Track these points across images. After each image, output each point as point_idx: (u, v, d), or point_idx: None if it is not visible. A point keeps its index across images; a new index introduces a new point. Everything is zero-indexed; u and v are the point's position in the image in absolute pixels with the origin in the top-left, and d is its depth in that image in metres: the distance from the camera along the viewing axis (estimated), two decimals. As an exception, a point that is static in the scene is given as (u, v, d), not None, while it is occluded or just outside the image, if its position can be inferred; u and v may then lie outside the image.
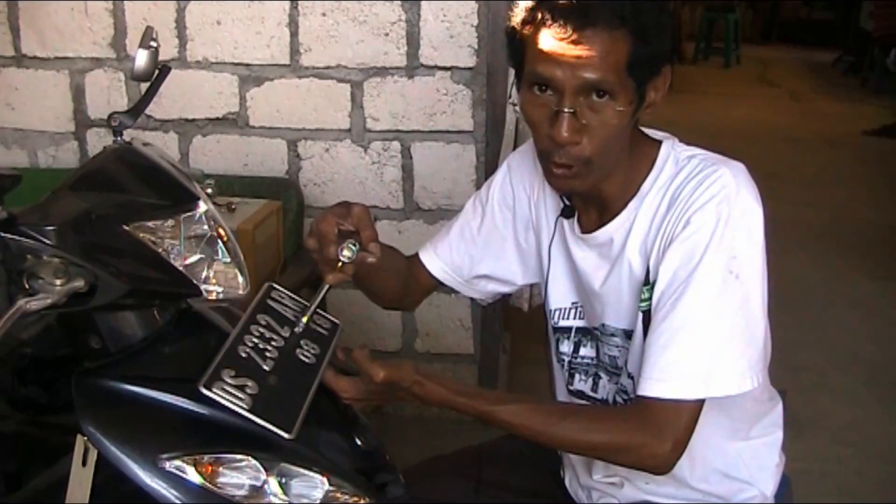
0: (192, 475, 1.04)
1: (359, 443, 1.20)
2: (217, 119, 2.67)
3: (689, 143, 1.28)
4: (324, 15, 2.54)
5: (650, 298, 1.20)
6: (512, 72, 2.44)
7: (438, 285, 1.49)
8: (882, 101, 8.01)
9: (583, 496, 1.42)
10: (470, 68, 2.53)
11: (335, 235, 1.19)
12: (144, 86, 1.33)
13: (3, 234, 1.01)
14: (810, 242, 4.49)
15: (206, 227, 1.19)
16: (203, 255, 1.19)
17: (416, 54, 2.54)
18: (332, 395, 1.19)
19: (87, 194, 1.12)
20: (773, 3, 12.10)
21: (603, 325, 1.30)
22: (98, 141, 2.73)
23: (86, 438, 1.06)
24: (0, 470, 1.21)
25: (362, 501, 1.12)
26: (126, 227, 1.12)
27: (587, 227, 1.30)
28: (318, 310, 1.22)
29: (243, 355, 1.09)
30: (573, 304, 1.36)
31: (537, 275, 1.44)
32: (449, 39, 2.52)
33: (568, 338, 1.37)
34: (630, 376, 1.27)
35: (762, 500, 1.34)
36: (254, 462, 1.07)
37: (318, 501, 1.09)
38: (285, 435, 1.04)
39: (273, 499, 1.07)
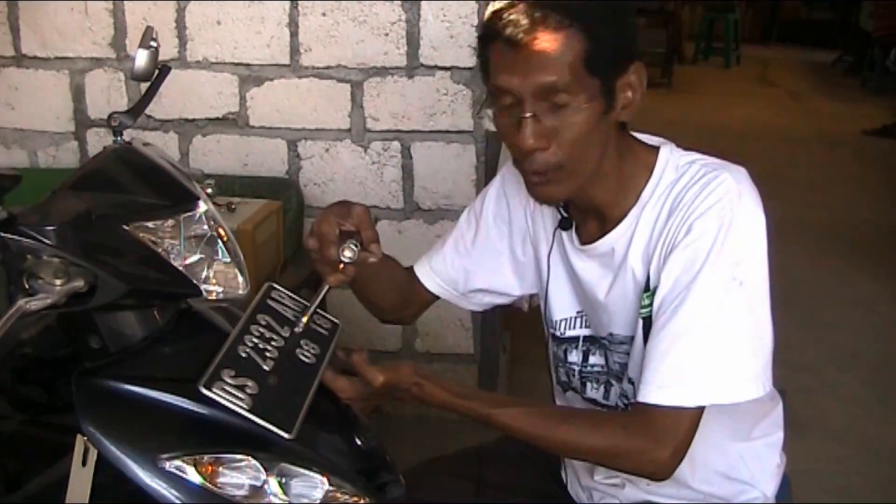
0: (192, 475, 1.04)
1: (359, 443, 1.20)
2: (217, 119, 2.67)
3: (689, 145, 1.27)
4: (324, 15, 2.54)
5: (651, 305, 1.19)
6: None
7: (435, 299, 1.49)
8: (882, 101, 8.00)
9: (583, 497, 1.42)
10: (470, 68, 2.53)
11: (336, 236, 1.19)
12: (144, 86, 1.33)
13: (3, 234, 1.01)
14: (810, 242, 4.49)
15: (206, 227, 1.19)
16: (203, 255, 1.19)
17: (416, 54, 2.54)
18: (332, 395, 1.19)
19: (87, 194, 1.12)
20: (773, 3, 12.09)
21: (611, 334, 1.29)
22: (98, 141, 2.73)
23: (86, 438, 1.06)
24: (0, 470, 1.21)
25: (362, 501, 1.12)
26: (126, 227, 1.12)
27: (587, 238, 1.29)
28: (318, 310, 1.22)
29: (243, 355, 1.09)
30: (578, 313, 1.35)
31: (535, 286, 1.43)
32: (449, 39, 2.52)
33: (576, 347, 1.36)
34: (631, 381, 1.26)
35: (763, 501, 1.34)
36: (254, 462, 1.07)
37: (318, 501, 1.09)
38: (285, 435, 1.04)
39: (273, 499, 1.07)
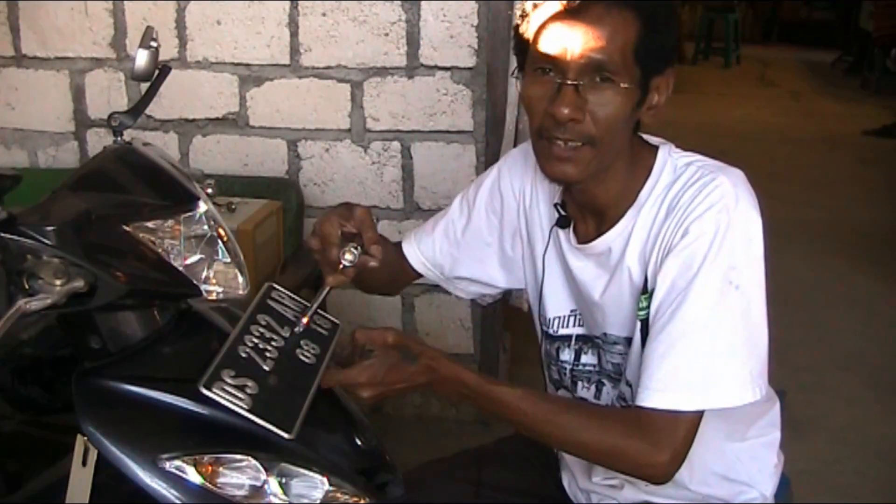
0: (192, 475, 1.04)
1: (359, 443, 1.20)
2: (217, 119, 2.67)
3: (688, 145, 1.27)
4: (324, 15, 2.54)
5: (648, 307, 1.19)
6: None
7: (420, 276, 1.49)
8: (882, 101, 8.00)
9: (582, 498, 1.42)
10: (470, 68, 2.53)
11: (338, 237, 1.20)
12: (144, 86, 1.33)
13: (3, 234, 1.01)
14: (810, 242, 4.49)
15: (206, 227, 1.19)
16: (203, 255, 1.19)
17: (416, 54, 2.54)
18: (332, 395, 1.19)
19: (87, 194, 1.12)
20: (773, 3, 12.10)
21: (605, 333, 1.29)
22: (98, 141, 2.73)
23: (86, 438, 1.06)
24: (0, 470, 1.21)
25: (362, 501, 1.12)
26: (126, 227, 1.12)
27: (584, 237, 1.29)
28: (318, 310, 1.22)
29: (243, 355, 1.09)
30: (572, 311, 1.35)
31: (522, 281, 1.43)
32: (449, 39, 2.52)
33: (568, 346, 1.36)
34: (629, 384, 1.26)
35: (762, 501, 1.34)
36: (254, 462, 1.07)
37: (318, 501, 1.09)
38: (285, 435, 1.04)
39: (273, 499, 1.07)
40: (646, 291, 1.20)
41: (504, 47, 2.46)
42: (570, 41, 1.11)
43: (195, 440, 1.07)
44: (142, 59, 1.25)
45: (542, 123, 1.17)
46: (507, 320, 2.93)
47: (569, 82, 1.12)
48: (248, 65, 2.61)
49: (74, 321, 1.12)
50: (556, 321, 1.37)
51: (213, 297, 1.20)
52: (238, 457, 1.07)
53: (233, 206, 2.28)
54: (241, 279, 1.22)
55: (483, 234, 1.43)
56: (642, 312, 1.20)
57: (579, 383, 1.36)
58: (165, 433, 1.07)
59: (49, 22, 2.64)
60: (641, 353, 1.20)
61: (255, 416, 1.04)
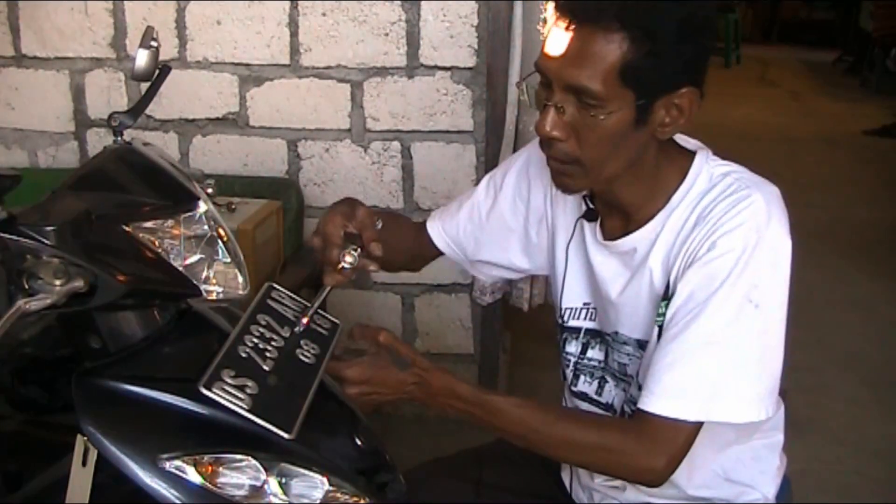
0: (192, 475, 1.04)
1: (359, 443, 1.19)
2: (217, 119, 2.67)
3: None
4: (324, 15, 2.54)
5: (666, 313, 1.18)
6: (513, 71, 2.45)
7: (443, 254, 1.49)
8: (882, 101, 8.00)
9: (584, 498, 1.42)
10: (470, 68, 2.53)
11: (340, 238, 1.20)
12: (144, 86, 1.33)
13: (3, 234, 1.01)
14: (810, 242, 4.48)
15: (206, 227, 1.19)
16: (203, 255, 1.19)
17: (416, 54, 2.54)
18: (333, 395, 1.19)
19: (87, 194, 1.12)
20: (773, 3, 12.09)
21: (616, 332, 1.29)
22: (98, 141, 2.73)
23: (86, 438, 1.06)
24: (0, 470, 1.21)
25: (362, 501, 1.12)
26: (126, 227, 1.12)
27: (611, 234, 1.27)
28: (319, 310, 1.22)
29: (243, 355, 1.09)
30: (584, 304, 1.35)
31: (545, 268, 1.42)
32: (449, 39, 2.52)
33: (576, 338, 1.36)
34: (640, 387, 1.26)
35: (764, 502, 1.33)
36: (254, 462, 1.07)
37: (318, 501, 1.09)
38: (285, 435, 1.04)
39: (273, 499, 1.07)
40: (667, 298, 1.18)
41: (504, 47, 2.46)
42: (554, 61, 1.09)
43: (195, 440, 1.07)
44: (142, 59, 1.25)
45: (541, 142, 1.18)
46: (507, 320, 2.93)
47: (549, 103, 1.11)
48: (248, 65, 2.61)
49: (74, 321, 1.12)
50: (569, 312, 1.37)
51: (213, 297, 1.20)
52: (238, 457, 1.07)
53: (233, 206, 2.28)
54: (241, 279, 1.22)
55: (507, 220, 1.42)
56: (660, 318, 1.19)
57: (581, 377, 1.36)
58: (165, 433, 1.07)
59: (49, 22, 2.64)
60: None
61: (254, 416, 1.04)
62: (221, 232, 1.21)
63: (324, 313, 1.25)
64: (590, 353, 1.35)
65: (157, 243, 1.14)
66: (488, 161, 2.56)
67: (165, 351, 1.15)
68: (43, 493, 1.16)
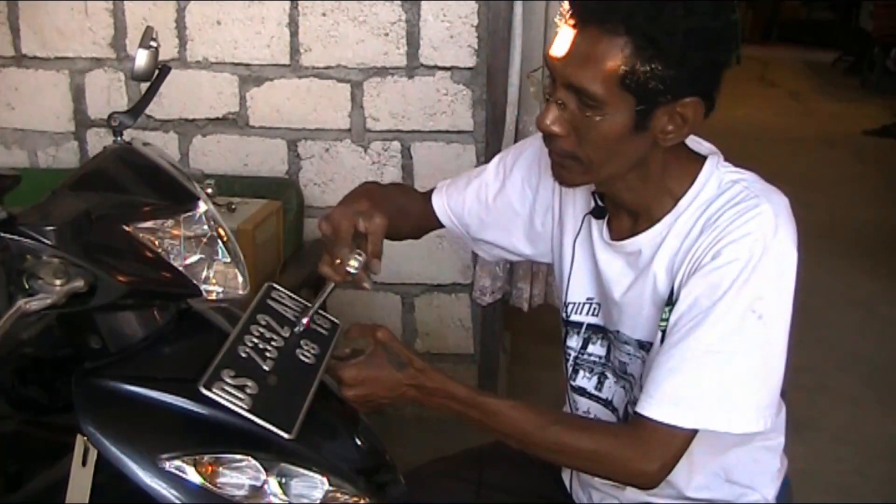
0: (192, 475, 1.04)
1: (359, 443, 1.20)
2: (217, 119, 2.67)
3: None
4: (324, 15, 2.54)
5: (670, 319, 1.17)
6: (513, 71, 2.45)
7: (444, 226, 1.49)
8: (882, 101, 8.00)
9: (584, 497, 1.42)
10: (470, 68, 2.53)
11: (350, 234, 1.19)
12: (144, 86, 1.33)
13: (3, 234, 1.01)
14: (810, 243, 4.44)
15: (206, 227, 1.19)
16: (203, 255, 1.19)
17: (416, 54, 2.54)
18: (333, 395, 1.19)
19: (87, 194, 1.12)
20: (773, 3, 12.09)
21: (618, 331, 1.29)
22: (98, 141, 2.73)
23: (86, 438, 1.06)
24: (0, 470, 1.21)
25: (362, 501, 1.12)
26: (126, 227, 1.12)
27: (618, 234, 1.27)
28: (318, 310, 1.22)
29: (243, 355, 1.09)
30: (588, 299, 1.34)
31: (547, 256, 1.42)
32: (449, 39, 2.52)
33: (578, 333, 1.36)
34: (643, 388, 1.26)
35: (764, 503, 1.33)
36: (254, 462, 1.07)
37: (318, 501, 1.09)
38: (285, 435, 1.04)
39: (273, 499, 1.07)
40: (671, 303, 1.18)
41: (504, 47, 2.46)
42: (559, 59, 1.10)
43: (195, 440, 1.07)
44: (142, 59, 1.25)
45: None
46: (507, 320, 2.93)
47: (550, 98, 1.11)
48: (248, 65, 2.61)
49: (74, 321, 1.12)
50: (571, 307, 1.36)
51: (213, 297, 1.20)
52: (238, 457, 1.07)
53: (233, 206, 2.25)
54: (241, 279, 1.22)
55: (514, 204, 1.42)
56: (664, 323, 1.18)
57: (581, 371, 1.36)
58: (165, 433, 1.07)
59: (49, 22, 2.64)
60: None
61: (254, 416, 1.04)
62: (221, 232, 1.21)
63: (324, 313, 1.25)
64: (591, 349, 1.35)
65: (157, 243, 1.15)
66: (488, 161, 2.55)
67: (165, 351, 1.15)
68: (43, 493, 1.16)
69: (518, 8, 2.44)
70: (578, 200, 1.34)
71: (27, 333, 1.24)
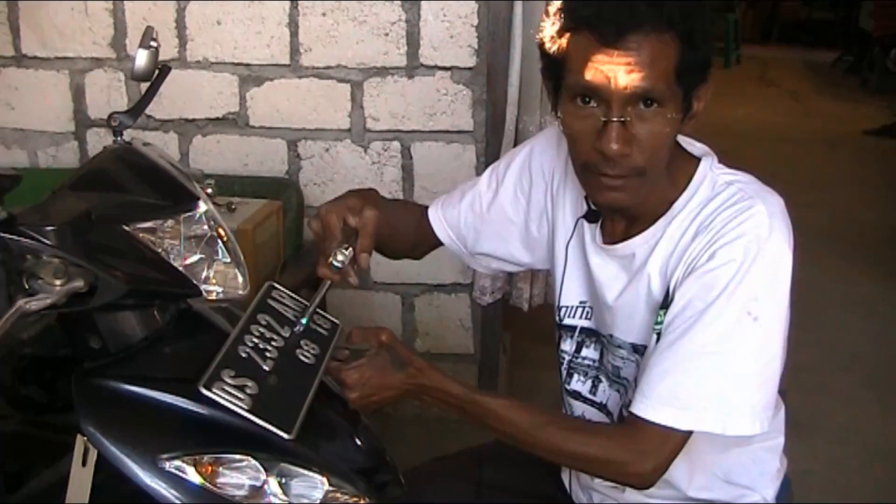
0: (192, 475, 1.04)
1: (359, 443, 1.20)
2: (217, 119, 2.67)
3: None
4: (324, 15, 2.54)
5: (664, 321, 1.17)
6: (513, 71, 2.45)
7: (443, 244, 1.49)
8: (882, 101, 7.99)
9: (584, 498, 1.42)
10: (470, 68, 2.53)
11: (339, 230, 1.20)
12: (144, 86, 1.33)
13: (3, 234, 1.01)
14: (810, 243, 4.46)
15: (206, 227, 1.19)
16: (203, 255, 1.19)
17: (416, 54, 2.54)
18: (333, 395, 1.19)
19: (87, 194, 1.12)
20: (773, 3, 12.09)
21: (611, 335, 1.29)
22: (98, 141, 2.73)
23: (86, 438, 1.06)
24: (0, 470, 1.21)
25: (362, 502, 1.12)
26: (126, 227, 1.12)
27: (611, 237, 1.27)
28: (318, 310, 1.22)
29: (243, 355, 1.09)
30: (581, 303, 1.34)
31: (545, 262, 1.42)
32: (449, 39, 2.52)
33: (571, 337, 1.36)
34: None
35: (763, 503, 1.33)
36: (254, 462, 1.07)
37: (318, 501, 1.09)
38: (285, 435, 1.04)
39: (273, 499, 1.07)
40: (665, 306, 1.18)
41: (504, 47, 2.46)
42: (611, 72, 1.07)
43: (195, 440, 1.07)
44: (142, 59, 1.25)
45: (588, 159, 1.14)
46: (507, 320, 2.93)
47: (614, 119, 1.09)
48: (248, 65, 2.61)
49: (74, 321, 1.12)
50: (565, 310, 1.36)
51: (213, 297, 1.20)
52: (238, 457, 1.07)
53: (233, 206, 2.26)
54: (241, 279, 1.22)
55: (508, 212, 1.41)
56: (658, 326, 1.18)
57: (575, 375, 1.36)
58: (165, 433, 1.07)
59: (49, 22, 2.64)
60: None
61: (254, 416, 1.04)
62: (221, 232, 1.21)
63: (324, 313, 1.25)
64: (584, 352, 1.35)
65: (157, 243, 1.15)
66: (488, 161, 2.56)
67: (165, 351, 1.15)
68: (43, 493, 1.16)
69: (518, 8, 2.44)
70: (570, 203, 1.35)
71: (27, 333, 1.24)
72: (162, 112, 2.66)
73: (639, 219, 1.23)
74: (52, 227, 1.02)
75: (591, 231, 1.30)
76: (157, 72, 1.30)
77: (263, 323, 1.16)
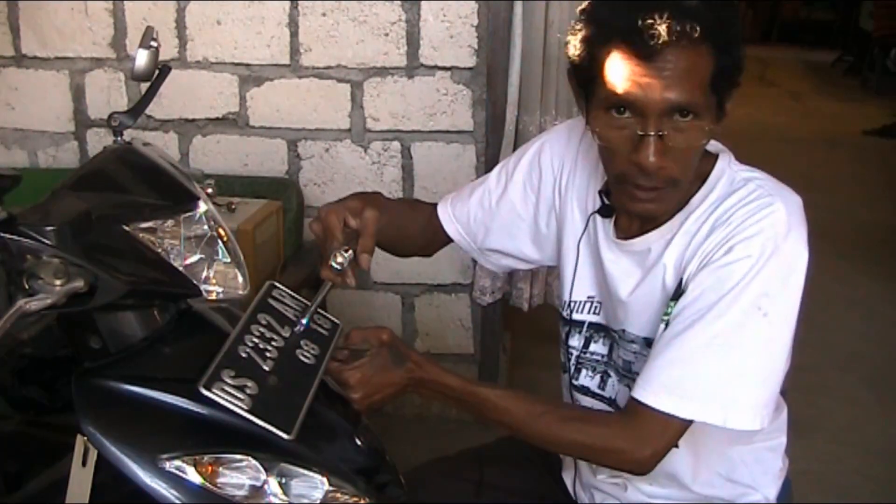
0: (192, 475, 1.04)
1: (359, 443, 1.19)
2: (217, 119, 2.67)
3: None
4: (324, 15, 2.54)
5: (674, 310, 1.17)
6: (513, 71, 2.45)
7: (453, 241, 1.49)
8: (882, 101, 7.99)
9: (585, 497, 1.42)
10: (470, 68, 2.53)
11: (339, 231, 1.20)
12: (144, 86, 1.33)
13: (3, 234, 1.01)
14: (810, 243, 4.48)
15: (206, 227, 1.19)
16: (203, 255, 1.19)
17: (416, 54, 2.54)
18: (333, 395, 1.19)
19: (87, 194, 1.12)
20: (773, 3, 12.09)
21: (624, 330, 1.28)
22: (98, 141, 2.73)
23: (86, 438, 1.06)
24: (0, 470, 1.21)
25: (362, 502, 1.12)
26: (126, 227, 1.12)
27: (625, 233, 1.27)
28: (319, 310, 1.22)
29: (243, 355, 1.09)
30: (589, 297, 1.34)
31: (554, 258, 1.42)
32: (449, 39, 2.52)
33: (579, 332, 1.36)
34: None
35: (764, 502, 1.33)
36: (254, 462, 1.07)
37: (318, 501, 1.09)
38: (285, 435, 1.04)
39: (273, 499, 1.07)
40: (676, 297, 1.18)
41: (504, 47, 2.46)
42: (648, 86, 1.07)
43: (195, 440, 1.07)
44: (142, 59, 1.25)
45: (624, 170, 1.14)
46: (507, 320, 2.93)
47: (651, 133, 1.09)
48: (248, 65, 2.61)
49: (74, 321, 1.12)
50: (572, 305, 1.36)
51: (213, 297, 1.20)
52: (238, 457, 1.07)
53: (233, 206, 2.27)
54: (241, 279, 1.22)
55: (517, 208, 1.41)
56: (667, 316, 1.18)
57: (583, 370, 1.36)
58: (165, 433, 1.07)
59: (49, 22, 2.64)
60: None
61: (254, 416, 1.03)
62: (221, 232, 1.21)
63: (324, 313, 1.25)
64: (593, 347, 1.34)
65: (157, 243, 1.14)
66: (488, 161, 2.56)
67: (165, 351, 1.15)
68: (43, 493, 1.16)
69: (518, 8, 2.44)
70: (580, 199, 1.34)
71: (27, 333, 1.24)
72: (162, 112, 2.66)
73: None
74: (52, 227, 1.02)
75: (604, 226, 1.30)
76: (157, 72, 1.30)
77: (264, 323, 1.16)
